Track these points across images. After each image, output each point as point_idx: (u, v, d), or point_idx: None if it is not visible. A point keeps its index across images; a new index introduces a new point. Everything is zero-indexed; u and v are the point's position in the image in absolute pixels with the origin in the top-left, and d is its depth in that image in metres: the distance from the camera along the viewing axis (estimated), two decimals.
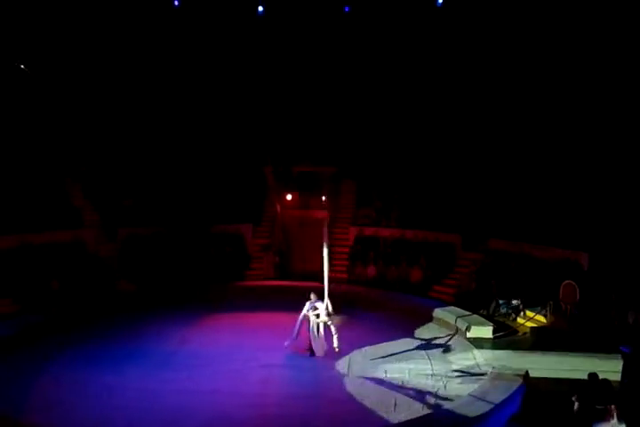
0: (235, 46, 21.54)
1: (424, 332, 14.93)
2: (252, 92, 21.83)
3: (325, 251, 12.96)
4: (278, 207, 21.56)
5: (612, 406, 7.87)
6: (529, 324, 14.52)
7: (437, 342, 14.02)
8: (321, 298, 12.71)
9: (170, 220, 20.41)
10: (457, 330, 14.54)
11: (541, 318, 14.46)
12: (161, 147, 21.79)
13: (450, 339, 14.16)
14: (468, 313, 15.06)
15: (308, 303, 12.70)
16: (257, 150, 21.87)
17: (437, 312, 15.71)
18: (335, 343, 12.56)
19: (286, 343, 12.75)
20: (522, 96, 19.58)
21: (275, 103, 22.02)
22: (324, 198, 21.47)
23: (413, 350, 13.32)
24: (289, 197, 21.57)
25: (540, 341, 13.28)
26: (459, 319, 14.68)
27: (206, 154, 22.12)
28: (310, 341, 12.65)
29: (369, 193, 22.14)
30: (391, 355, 12.84)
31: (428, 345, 13.69)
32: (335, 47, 21.68)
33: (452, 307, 15.89)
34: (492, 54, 20.11)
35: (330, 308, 12.71)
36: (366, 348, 13.36)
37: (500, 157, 19.74)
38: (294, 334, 12.73)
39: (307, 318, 12.66)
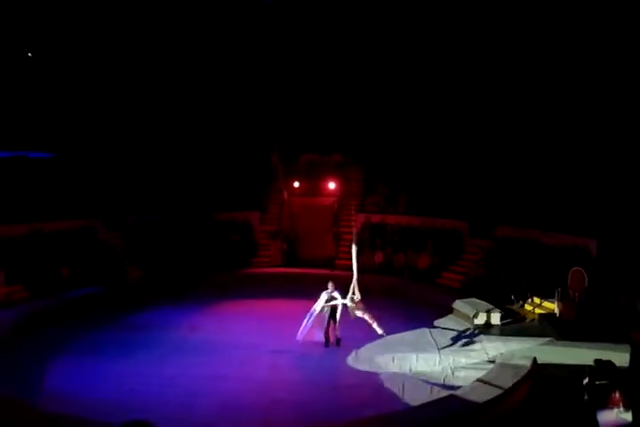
0: (242, 34, 21.38)
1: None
2: (258, 80, 21.71)
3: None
4: (285, 194, 21.58)
5: (617, 394, 7.79)
6: (537, 311, 14.56)
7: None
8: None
9: (178, 207, 20.48)
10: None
11: (549, 305, 14.48)
12: (169, 135, 21.76)
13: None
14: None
15: (324, 293, 12.40)
16: (264, 138, 21.82)
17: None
18: (379, 331, 12.50)
19: (299, 337, 12.44)
20: (528, 82, 19.39)
21: (281, 91, 21.89)
22: (331, 186, 21.50)
23: (420, 336, 13.45)
24: (296, 184, 21.61)
25: (548, 328, 13.32)
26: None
27: (213, 142, 22.09)
28: (325, 331, 12.54)
29: (376, 180, 22.11)
30: (398, 342, 12.95)
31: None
32: (342, 34, 21.47)
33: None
34: (497, 48, 19.89)
35: (356, 294, 12.39)
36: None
37: (507, 144, 19.62)
38: (305, 328, 12.42)
39: (323, 311, 12.38)
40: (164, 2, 20.50)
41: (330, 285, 12.52)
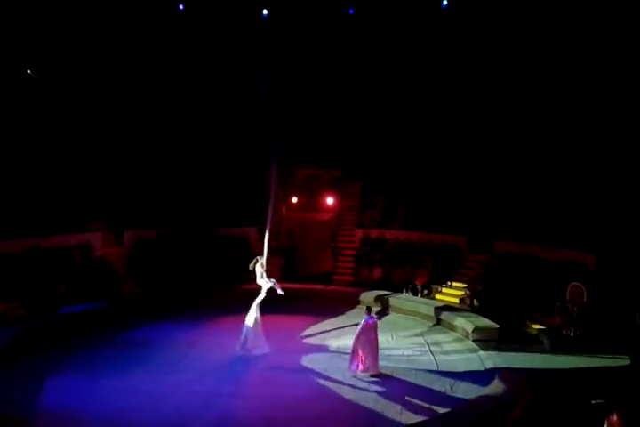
0: (239, 49, 21.58)
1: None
2: (256, 95, 21.83)
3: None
4: (283, 210, 21.56)
5: (614, 416, 7.66)
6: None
7: None
8: None
9: (176, 223, 20.45)
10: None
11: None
12: (167, 149, 21.83)
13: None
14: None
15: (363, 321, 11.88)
16: (262, 153, 21.86)
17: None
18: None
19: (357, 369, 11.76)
20: (527, 97, 19.55)
21: (279, 106, 22.00)
22: (329, 201, 21.48)
23: (419, 352, 13.40)
24: (294, 199, 21.62)
25: (546, 342, 13.27)
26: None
27: (212, 157, 22.16)
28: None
29: (375, 195, 22.15)
30: (398, 358, 12.88)
31: None
32: (339, 49, 21.69)
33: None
34: (496, 59, 20.09)
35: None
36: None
37: (506, 159, 19.72)
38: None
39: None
40: (158, 22, 20.76)
41: (364, 310, 12.12)
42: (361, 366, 11.69)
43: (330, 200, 21.78)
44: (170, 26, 21.08)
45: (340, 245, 21.26)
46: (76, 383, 11.05)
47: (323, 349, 13.53)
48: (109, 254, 19.00)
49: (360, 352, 11.70)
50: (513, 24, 19.37)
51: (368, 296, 17.99)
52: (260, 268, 13.48)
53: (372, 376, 11.61)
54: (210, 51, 21.90)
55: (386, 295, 17.85)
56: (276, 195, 14.74)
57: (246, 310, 16.52)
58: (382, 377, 11.56)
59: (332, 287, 19.15)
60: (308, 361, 12.55)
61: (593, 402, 8.74)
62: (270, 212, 14.14)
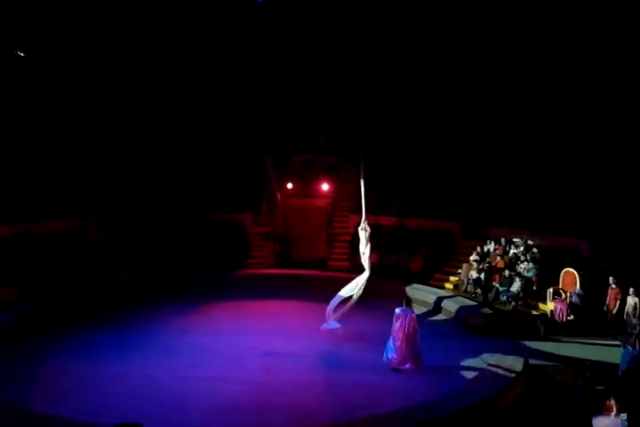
0: (234, 36, 21.37)
1: None
2: (252, 82, 21.71)
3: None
4: (279, 196, 21.55)
5: (612, 401, 7.77)
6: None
7: None
8: None
9: (171, 208, 20.40)
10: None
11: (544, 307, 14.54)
12: (163, 136, 21.70)
13: None
14: None
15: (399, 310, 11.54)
16: (257, 139, 21.81)
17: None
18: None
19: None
20: (519, 85, 19.48)
21: (275, 93, 21.89)
22: (324, 187, 21.45)
23: None
24: (289, 185, 21.58)
25: (541, 327, 13.37)
26: None
27: (208, 143, 22.06)
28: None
29: (370, 182, 22.12)
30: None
31: None
32: (335, 36, 21.49)
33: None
34: (488, 46, 19.96)
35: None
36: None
37: (499, 146, 19.70)
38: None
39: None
40: (153, 11, 20.49)
41: (404, 303, 11.83)
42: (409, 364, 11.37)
43: (325, 186, 21.74)
44: (167, 13, 20.80)
45: (336, 231, 21.28)
46: (72, 368, 11.08)
47: (321, 334, 13.55)
48: (104, 240, 18.96)
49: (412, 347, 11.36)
50: (511, 16, 19.22)
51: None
52: (363, 232, 13.64)
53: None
54: (205, 39, 21.62)
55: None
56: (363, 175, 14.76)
57: (241, 295, 16.70)
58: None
59: (328, 273, 19.16)
60: (307, 346, 12.60)
61: (593, 387, 8.86)
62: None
